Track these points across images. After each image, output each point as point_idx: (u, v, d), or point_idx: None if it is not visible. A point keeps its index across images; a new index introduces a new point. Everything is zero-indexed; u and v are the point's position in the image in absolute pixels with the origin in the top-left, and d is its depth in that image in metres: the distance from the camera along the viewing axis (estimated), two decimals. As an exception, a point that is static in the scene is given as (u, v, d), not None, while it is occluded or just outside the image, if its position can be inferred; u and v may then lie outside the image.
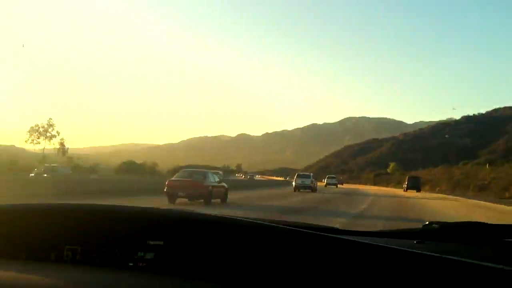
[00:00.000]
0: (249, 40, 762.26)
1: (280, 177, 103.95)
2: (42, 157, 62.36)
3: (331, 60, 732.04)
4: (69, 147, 71.35)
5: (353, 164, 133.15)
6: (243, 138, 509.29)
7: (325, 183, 50.96)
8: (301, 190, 31.42)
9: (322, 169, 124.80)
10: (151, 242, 1.03)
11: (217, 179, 17.08)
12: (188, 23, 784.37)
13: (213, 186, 16.02)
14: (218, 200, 16.58)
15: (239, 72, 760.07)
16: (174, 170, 67.00)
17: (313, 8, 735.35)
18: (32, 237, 1.12)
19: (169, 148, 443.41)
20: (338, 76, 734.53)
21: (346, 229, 1.58)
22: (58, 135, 69.15)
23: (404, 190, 45.16)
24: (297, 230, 1.00)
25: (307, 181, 32.43)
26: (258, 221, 1.08)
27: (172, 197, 15.39)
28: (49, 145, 68.80)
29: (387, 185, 71.14)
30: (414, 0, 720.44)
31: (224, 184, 17.66)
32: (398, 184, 63.16)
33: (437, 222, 1.46)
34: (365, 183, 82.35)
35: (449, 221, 1.61)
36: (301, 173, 37.82)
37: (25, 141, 67.80)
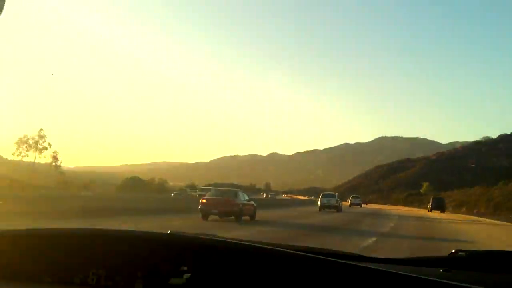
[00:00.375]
0: (280, 59, 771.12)
1: (306, 196, 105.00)
2: (32, 171, 56.50)
3: (364, 79, 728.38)
4: (62, 161, 64.84)
5: (384, 184, 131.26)
6: (275, 157, 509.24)
7: (349, 203, 52.87)
8: (326, 210, 31.56)
9: (351, 188, 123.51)
10: (181, 268, 1.01)
11: (246, 198, 17.91)
12: (221, 44, 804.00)
13: (243, 204, 16.82)
14: (247, 218, 17.38)
15: (271, 91, 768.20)
16: (187, 188, 64.11)
17: (349, 27, 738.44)
18: (57, 261, 1.12)
19: (200, 167, 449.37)
20: (371, 96, 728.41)
21: (369, 256, 1.53)
22: (50, 147, 62.62)
23: (428, 211, 47.29)
24: (323, 258, 0.96)
25: (332, 201, 32.73)
26: (284, 249, 1.05)
27: (205, 214, 16.27)
28: (39, 158, 62.42)
29: (419, 206, 69.98)
30: (449, 21, 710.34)
31: (252, 202, 18.46)
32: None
33: (464, 250, 1.43)
34: (396, 204, 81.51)
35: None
36: (326, 192, 38.03)
37: (12, 154, 61.15)
